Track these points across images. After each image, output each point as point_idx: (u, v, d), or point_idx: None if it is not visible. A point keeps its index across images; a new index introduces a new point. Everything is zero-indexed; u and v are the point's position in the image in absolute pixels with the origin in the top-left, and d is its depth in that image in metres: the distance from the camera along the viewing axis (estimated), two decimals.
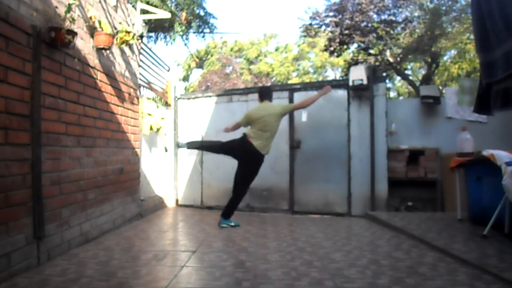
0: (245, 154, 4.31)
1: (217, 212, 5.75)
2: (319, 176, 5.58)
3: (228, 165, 5.84)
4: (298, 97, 5.77)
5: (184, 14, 9.29)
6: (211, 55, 19.75)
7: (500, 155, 3.14)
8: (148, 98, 5.56)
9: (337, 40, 10.30)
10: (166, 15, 5.26)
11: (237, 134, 4.62)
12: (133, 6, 4.87)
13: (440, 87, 9.21)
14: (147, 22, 6.12)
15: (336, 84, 5.84)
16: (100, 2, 3.73)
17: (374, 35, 9.70)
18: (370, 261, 2.83)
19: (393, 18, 10.02)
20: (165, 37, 10.17)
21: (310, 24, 11.26)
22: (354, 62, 10.04)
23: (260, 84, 16.96)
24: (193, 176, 6.34)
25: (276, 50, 20.51)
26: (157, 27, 9.63)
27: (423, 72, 12.30)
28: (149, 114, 5.31)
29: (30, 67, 2.56)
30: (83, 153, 3.32)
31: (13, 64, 2.40)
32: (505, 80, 3.03)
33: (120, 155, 4.18)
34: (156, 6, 6.65)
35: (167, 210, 5.81)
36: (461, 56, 10.24)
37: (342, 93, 5.58)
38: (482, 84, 3.47)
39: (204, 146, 5.18)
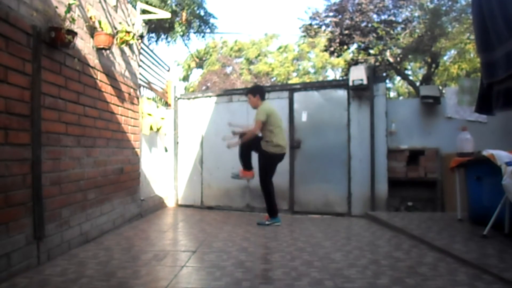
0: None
1: (217, 212, 5.77)
2: (319, 176, 5.58)
3: (228, 165, 5.86)
4: (298, 97, 5.77)
5: (184, 14, 9.29)
6: (211, 55, 19.75)
7: (500, 155, 3.14)
8: (148, 98, 5.56)
9: (337, 40, 10.30)
10: (166, 15, 5.27)
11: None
12: (133, 6, 4.87)
13: (440, 87, 9.20)
14: (147, 22, 6.11)
15: (336, 84, 5.84)
16: (100, 2, 3.73)
17: (374, 35, 9.69)
18: (370, 261, 2.83)
19: (393, 18, 10.01)
20: (166, 38, 10.19)
21: (310, 24, 11.24)
22: (354, 62, 10.03)
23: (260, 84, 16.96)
24: (193, 176, 6.34)
25: (278, 49, 20.49)
26: (157, 28, 9.64)
27: (423, 72, 12.29)
28: (149, 114, 5.31)
29: (30, 67, 2.56)
30: (83, 153, 3.32)
31: (13, 64, 2.39)
32: (507, 80, 3.03)
33: (120, 155, 4.18)
34: (156, 6, 6.65)
35: (167, 210, 5.81)
36: (461, 56, 10.22)
37: (342, 93, 5.58)
38: (483, 84, 3.47)
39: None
